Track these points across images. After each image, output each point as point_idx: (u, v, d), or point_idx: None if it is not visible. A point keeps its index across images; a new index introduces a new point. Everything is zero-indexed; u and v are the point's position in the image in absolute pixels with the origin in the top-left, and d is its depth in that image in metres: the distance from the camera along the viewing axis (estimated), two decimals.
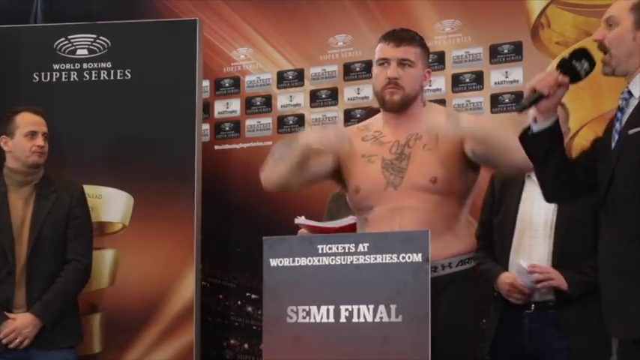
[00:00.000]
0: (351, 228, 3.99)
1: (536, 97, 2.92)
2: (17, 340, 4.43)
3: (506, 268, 4.00)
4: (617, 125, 2.91)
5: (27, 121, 4.60)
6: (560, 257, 3.94)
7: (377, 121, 3.69)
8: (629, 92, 2.91)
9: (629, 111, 2.89)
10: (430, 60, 5.44)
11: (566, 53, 3.02)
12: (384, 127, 3.62)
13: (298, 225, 4.23)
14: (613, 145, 2.91)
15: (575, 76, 2.94)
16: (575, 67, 2.92)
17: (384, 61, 3.56)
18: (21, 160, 4.58)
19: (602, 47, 2.93)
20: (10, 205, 4.57)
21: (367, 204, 3.56)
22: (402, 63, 3.54)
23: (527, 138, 3.03)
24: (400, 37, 3.57)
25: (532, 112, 3.00)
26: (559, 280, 3.89)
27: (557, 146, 3.00)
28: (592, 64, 2.94)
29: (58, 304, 4.52)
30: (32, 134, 4.57)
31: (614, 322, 2.87)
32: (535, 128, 2.98)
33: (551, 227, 3.98)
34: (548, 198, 3.17)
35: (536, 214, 3.99)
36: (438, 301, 3.25)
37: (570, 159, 3.09)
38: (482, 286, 3.92)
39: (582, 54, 2.93)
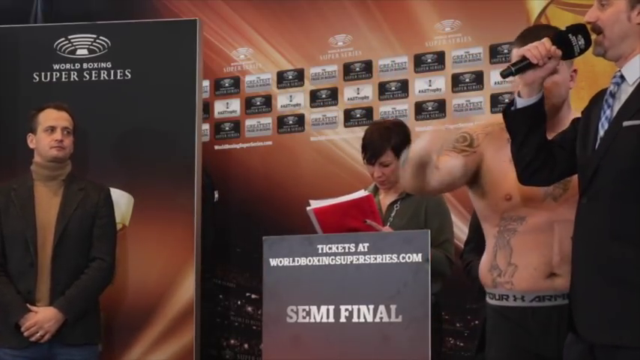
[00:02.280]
0: (363, 201, 4.01)
1: (525, 65, 2.78)
2: (38, 334, 4.43)
3: None
4: (608, 112, 2.76)
5: (47, 116, 4.65)
6: None
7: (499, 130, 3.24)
8: (622, 77, 2.77)
9: (622, 98, 2.75)
10: (430, 60, 5.42)
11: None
12: None
13: (312, 210, 4.12)
14: (601, 132, 2.76)
15: (569, 51, 2.81)
16: (570, 40, 2.80)
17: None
18: (42, 155, 4.63)
19: (596, 29, 2.77)
20: (36, 198, 4.61)
21: (519, 214, 3.17)
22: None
23: (509, 113, 2.92)
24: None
25: (517, 81, 2.91)
26: None
27: (539, 125, 2.89)
28: (587, 42, 2.82)
29: (81, 301, 4.53)
30: (51, 129, 4.61)
31: (592, 324, 2.69)
32: (519, 104, 2.86)
33: None
34: (524, 179, 3.01)
35: None
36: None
37: (550, 140, 2.96)
38: (473, 286, 3.87)
39: (579, 29, 2.81)
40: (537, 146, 2.91)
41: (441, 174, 3.19)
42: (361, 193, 4.08)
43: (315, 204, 4.06)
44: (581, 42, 2.81)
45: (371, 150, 4.32)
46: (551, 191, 3.11)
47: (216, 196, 5.63)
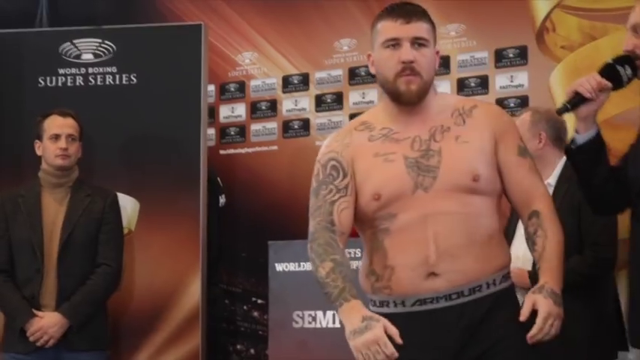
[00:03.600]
0: None
1: (578, 100, 2.86)
2: (43, 339, 4.45)
3: None
4: None
5: (52, 124, 4.65)
6: None
7: (376, 116, 3.01)
8: None
9: None
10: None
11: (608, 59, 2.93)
12: (394, 123, 2.95)
13: None
14: None
15: (617, 82, 2.86)
16: (618, 71, 2.85)
17: (394, 42, 2.88)
18: (48, 162, 4.64)
19: (636, 56, 2.83)
20: (43, 205, 4.62)
21: (389, 212, 2.88)
22: (417, 42, 2.89)
23: (571, 151, 2.96)
24: (409, 11, 2.93)
25: (573, 119, 2.92)
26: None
27: (602, 157, 2.91)
28: (634, 70, 2.87)
29: (86, 306, 4.54)
30: (56, 137, 4.61)
31: None
32: (580, 140, 2.88)
33: None
34: (601, 211, 3.07)
35: None
36: (487, 328, 2.81)
37: (614, 167, 2.97)
38: None
39: (624, 59, 2.86)
40: (604, 177, 2.93)
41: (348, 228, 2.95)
42: None
43: None
44: (629, 71, 2.87)
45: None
46: (422, 181, 2.84)
47: (222, 200, 5.63)
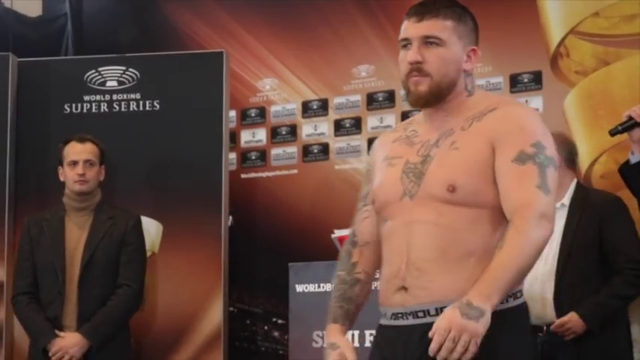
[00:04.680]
0: None
1: (631, 124, 2.97)
2: (65, 359, 4.51)
3: None
4: None
5: (70, 150, 4.69)
6: (563, 277, 4.04)
7: (419, 116, 2.84)
8: None
9: None
10: None
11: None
12: (421, 125, 2.78)
13: (337, 237, 4.11)
14: None
15: None
16: None
17: (405, 42, 2.73)
18: (69, 188, 4.69)
19: None
20: (66, 228, 4.67)
21: (383, 217, 2.74)
22: (428, 41, 2.69)
23: (626, 171, 3.04)
24: (425, 8, 2.73)
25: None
26: (577, 327, 3.97)
27: None
28: None
29: (106, 327, 4.57)
30: (74, 163, 4.65)
31: None
32: (633, 160, 2.98)
33: (556, 249, 4.08)
34: None
35: None
36: None
37: None
38: None
39: None
40: None
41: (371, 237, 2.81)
42: None
43: (339, 232, 4.08)
44: None
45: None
46: (410, 188, 2.64)
47: (230, 220, 5.60)
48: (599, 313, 4.01)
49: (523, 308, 2.61)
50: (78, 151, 4.68)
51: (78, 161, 4.66)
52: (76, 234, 4.67)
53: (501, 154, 2.58)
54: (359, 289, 2.78)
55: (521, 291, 2.58)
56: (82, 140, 4.71)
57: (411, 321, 2.58)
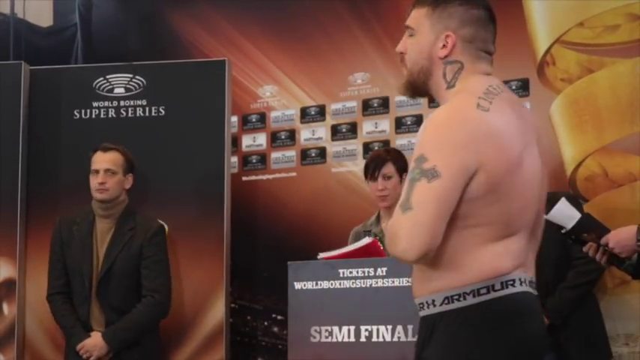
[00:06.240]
0: (370, 247, 3.95)
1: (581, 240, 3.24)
2: (85, 356, 4.69)
3: None
4: None
5: (94, 159, 4.80)
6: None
7: None
8: None
9: None
10: None
11: None
12: None
13: (322, 259, 4.13)
14: None
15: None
16: None
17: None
18: (92, 196, 4.80)
19: None
20: (93, 236, 4.78)
21: None
22: (407, 32, 2.62)
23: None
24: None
25: None
26: None
27: None
28: None
29: (125, 332, 4.72)
30: (96, 172, 4.76)
31: None
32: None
33: None
34: None
35: None
36: (426, 355, 2.48)
37: None
38: None
39: None
40: None
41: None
42: (366, 240, 4.02)
43: (324, 254, 4.07)
44: None
45: (374, 163, 4.49)
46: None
47: None
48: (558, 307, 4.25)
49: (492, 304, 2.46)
50: (99, 160, 4.79)
51: (99, 170, 4.76)
52: (101, 241, 4.80)
53: None
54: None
55: (488, 287, 2.41)
56: (105, 149, 4.82)
57: None
